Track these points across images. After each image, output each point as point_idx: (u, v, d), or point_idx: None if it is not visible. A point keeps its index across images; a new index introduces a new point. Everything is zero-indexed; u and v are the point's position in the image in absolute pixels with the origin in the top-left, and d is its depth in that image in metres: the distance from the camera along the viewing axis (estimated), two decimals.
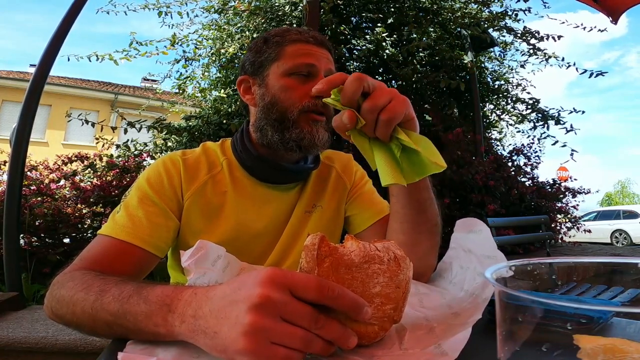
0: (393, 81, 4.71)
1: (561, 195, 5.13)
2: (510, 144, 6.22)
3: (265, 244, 0.78)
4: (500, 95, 5.49)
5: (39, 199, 3.29)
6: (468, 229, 0.60)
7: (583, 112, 4.55)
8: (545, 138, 4.77)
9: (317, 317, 0.35)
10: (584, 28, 4.44)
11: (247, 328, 0.33)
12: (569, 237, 5.71)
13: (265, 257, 0.78)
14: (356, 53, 4.39)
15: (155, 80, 8.14)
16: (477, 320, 0.44)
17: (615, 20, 2.23)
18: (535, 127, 4.92)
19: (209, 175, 0.76)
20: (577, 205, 5.52)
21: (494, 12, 4.53)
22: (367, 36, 3.99)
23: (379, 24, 4.13)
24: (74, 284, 0.53)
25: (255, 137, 0.78)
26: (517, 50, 5.37)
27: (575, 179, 5.69)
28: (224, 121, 3.94)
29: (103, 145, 4.04)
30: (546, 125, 4.69)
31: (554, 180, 5.26)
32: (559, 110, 4.69)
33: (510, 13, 4.53)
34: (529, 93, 5.21)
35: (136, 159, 3.75)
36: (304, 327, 0.35)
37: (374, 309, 0.39)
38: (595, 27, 4.41)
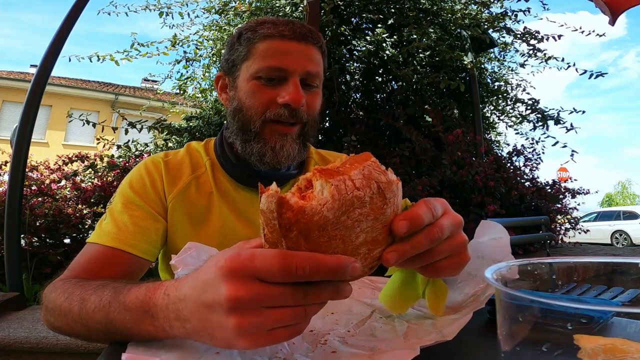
0: (393, 82, 4.71)
1: (561, 196, 5.13)
2: (508, 144, 6.24)
3: None
4: (500, 96, 5.49)
5: (40, 199, 3.29)
6: (487, 234, 0.57)
7: (583, 112, 4.53)
8: (544, 140, 4.77)
9: (304, 290, 0.33)
10: (582, 32, 4.42)
11: (237, 332, 0.33)
12: (569, 237, 5.71)
13: None
14: (356, 54, 4.39)
15: (155, 81, 8.16)
16: (479, 310, 0.44)
17: (612, 22, 2.23)
18: (535, 128, 4.91)
19: (193, 176, 0.74)
20: (579, 205, 5.52)
21: (494, 13, 4.53)
22: (368, 37, 3.99)
23: (379, 25, 4.12)
24: (56, 295, 0.53)
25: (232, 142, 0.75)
26: (516, 51, 5.36)
27: (575, 180, 5.70)
28: (225, 122, 3.93)
29: (104, 146, 4.05)
30: (546, 125, 4.67)
31: (554, 181, 5.26)
32: (559, 111, 4.68)
33: (510, 14, 4.53)
34: (528, 94, 5.21)
35: (137, 159, 3.76)
36: (290, 305, 0.33)
37: (361, 259, 0.35)
38: (593, 31, 4.39)
